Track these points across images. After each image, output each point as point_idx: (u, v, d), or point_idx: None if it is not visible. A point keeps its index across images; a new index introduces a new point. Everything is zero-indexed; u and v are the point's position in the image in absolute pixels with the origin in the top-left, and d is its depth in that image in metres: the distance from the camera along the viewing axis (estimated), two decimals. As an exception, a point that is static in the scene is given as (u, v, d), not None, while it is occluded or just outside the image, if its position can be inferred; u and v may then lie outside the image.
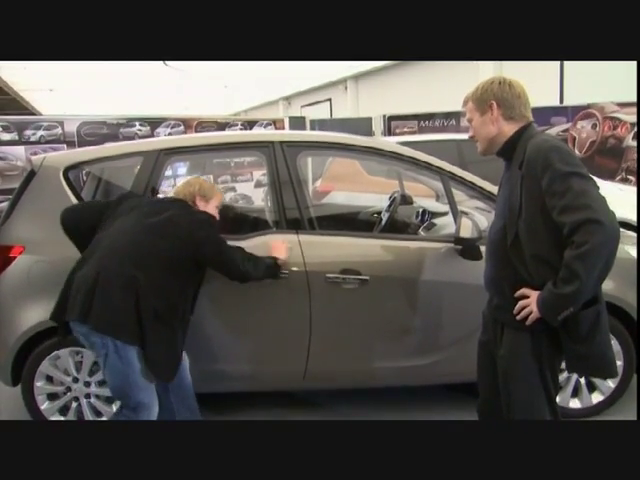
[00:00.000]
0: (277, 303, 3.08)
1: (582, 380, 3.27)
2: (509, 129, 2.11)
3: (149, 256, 2.57)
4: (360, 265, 3.05)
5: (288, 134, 4.12)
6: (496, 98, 2.09)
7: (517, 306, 2.03)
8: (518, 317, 2.03)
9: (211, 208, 2.92)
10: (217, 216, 2.94)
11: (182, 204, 2.83)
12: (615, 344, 3.19)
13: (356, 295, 3.06)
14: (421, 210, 4.05)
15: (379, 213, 4.21)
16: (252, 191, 7.58)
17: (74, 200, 3.07)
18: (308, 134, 4.41)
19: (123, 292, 2.48)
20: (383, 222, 3.92)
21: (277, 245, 3.01)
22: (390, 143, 3.81)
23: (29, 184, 3.10)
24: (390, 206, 4.00)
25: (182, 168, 6.37)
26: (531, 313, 1.99)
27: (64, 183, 3.09)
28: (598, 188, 1.92)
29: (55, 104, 19.92)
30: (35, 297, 2.99)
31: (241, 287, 2.83)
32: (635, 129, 8.01)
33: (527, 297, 2.01)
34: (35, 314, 2.99)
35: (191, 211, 2.80)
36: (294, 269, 3.02)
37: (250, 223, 3.98)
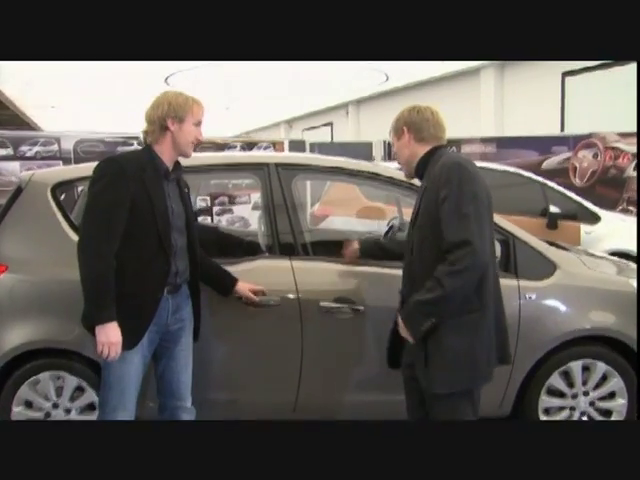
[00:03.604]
0: (268, 331, 2.97)
1: (585, 417, 3.16)
2: (421, 150, 2.33)
3: None
4: (354, 294, 2.96)
5: (284, 156, 4.04)
6: (406, 123, 2.34)
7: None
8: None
9: (188, 129, 2.43)
10: (200, 136, 2.50)
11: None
12: (619, 381, 3.08)
13: (350, 325, 2.96)
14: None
15: (376, 239, 4.12)
16: (250, 213, 7.49)
17: (61, 219, 2.97)
18: (305, 157, 4.33)
19: None
20: (380, 249, 3.82)
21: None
22: (388, 168, 3.73)
23: (15, 201, 3.01)
24: (388, 233, 3.91)
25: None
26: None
27: (52, 201, 3.00)
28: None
29: (56, 121, 19.96)
30: (16, 318, 2.88)
31: (231, 314, 2.71)
32: (636, 161, 7.97)
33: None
34: (16, 336, 2.87)
35: None
36: (287, 296, 2.91)
37: (243, 247, 3.88)
